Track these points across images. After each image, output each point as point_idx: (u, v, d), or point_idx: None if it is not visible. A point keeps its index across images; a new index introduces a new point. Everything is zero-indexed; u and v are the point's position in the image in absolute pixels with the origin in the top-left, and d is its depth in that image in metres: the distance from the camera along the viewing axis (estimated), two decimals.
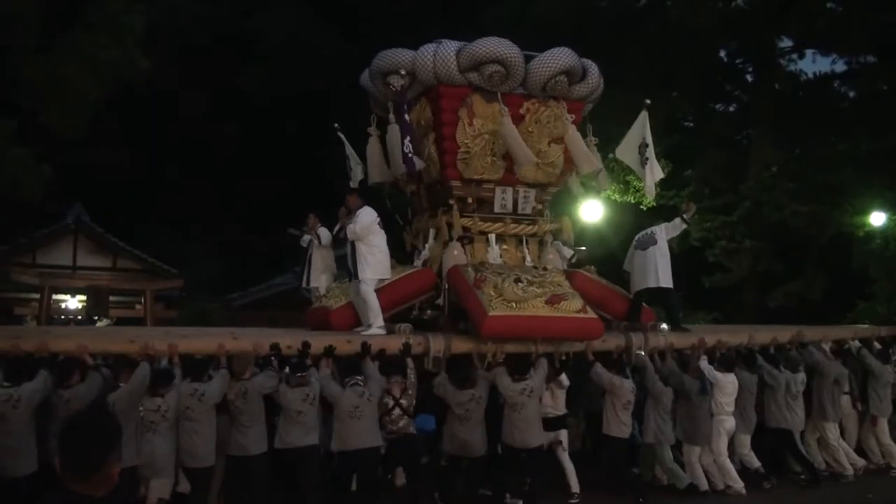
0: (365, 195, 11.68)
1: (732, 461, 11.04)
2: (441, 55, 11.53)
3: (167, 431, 8.58)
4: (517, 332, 10.37)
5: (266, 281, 25.80)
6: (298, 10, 32.04)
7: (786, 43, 24.15)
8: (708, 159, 23.42)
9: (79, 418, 3.49)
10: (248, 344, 9.49)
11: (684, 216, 12.52)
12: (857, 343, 13.01)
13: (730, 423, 10.86)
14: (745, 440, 11.24)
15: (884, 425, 12.30)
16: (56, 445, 3.35)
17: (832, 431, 11.82)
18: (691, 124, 26.20)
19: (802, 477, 11.42)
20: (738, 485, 10.75)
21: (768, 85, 24.48)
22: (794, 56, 24.50)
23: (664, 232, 12.32)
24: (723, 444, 10.84)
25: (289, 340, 9.66)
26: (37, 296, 23.77)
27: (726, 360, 11.21)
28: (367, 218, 10.89)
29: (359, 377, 9.34)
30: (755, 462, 11.21)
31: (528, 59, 11.81)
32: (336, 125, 13.77)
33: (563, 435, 10.72)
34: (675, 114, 23.61)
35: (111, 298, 24.86)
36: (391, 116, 12.30)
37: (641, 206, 21.36)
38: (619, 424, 10.35)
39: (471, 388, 9.71)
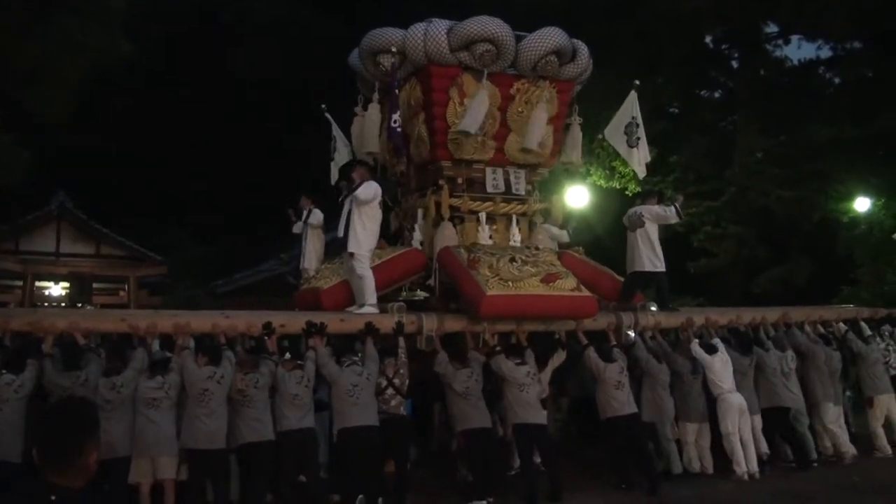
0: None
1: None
2: (432, 34, 11.52)
3: (169, 410, 8.60)
4: (515, 312, 10.44)
5: (251, 267, 25.64)
6: None
7: (771, 29, 24.21)
8: (693, 145, 23.44)
9: (56, 407, 3.48)
10: (240, 324, 9.48)
11: (678, 207, 12.34)
12: (842, 326, 13.04)
13: (734, 398, 10.77)
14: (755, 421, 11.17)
15: (882, 405, 12.20)
16: (34, 435, 3.32)
17: (826, 414, 11.81)
18: (677, 110, 26.20)
19: (792, 462, 11.43)
20: (741, 469, 10.70)
21: (753, 71, 24.54)
22: (780, 42, 24.53)
23: (652, 215, 12.25)
24: (731, 424, 10.71)
25: (281, 320, 9.67)
26: (20, 283, 23.53)
27: (707, 344, 11.20)
28: (374, 188, 10.79)
29: (354, 357, 9.39)
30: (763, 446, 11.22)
31: (518, 39, 11.82)
32: (323, 105, 13.71)
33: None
34: (660, 100, 23.61)
35: (94, 285, 24.65)
36: (374, 96, 12.27)
37: (627, 192, 21.41)
38: (612, 403, 10.33)
39: (468, 367, 9.90)
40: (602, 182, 22.48)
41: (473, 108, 11.52)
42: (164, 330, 9.22)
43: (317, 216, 13.31)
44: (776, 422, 11.40)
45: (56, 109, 16.34)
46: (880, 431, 12.18)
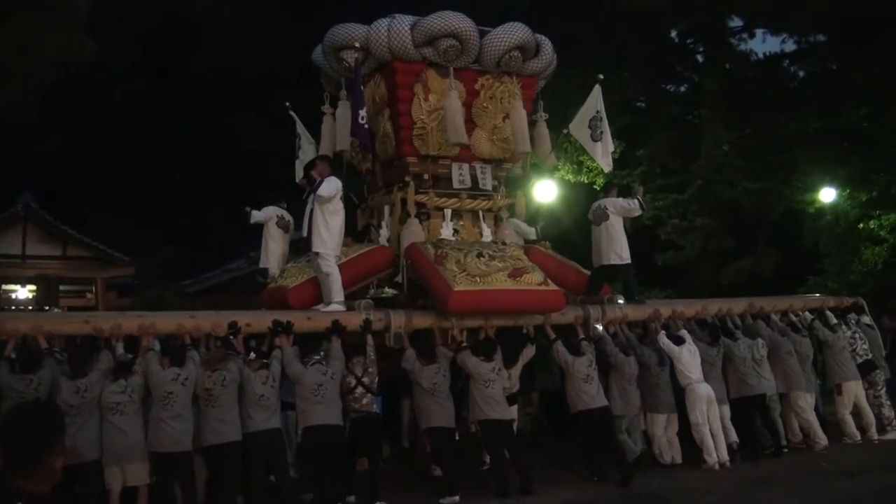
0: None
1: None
2: (395, 30, 11.49)
3: (134, 414, 8.49)
4: (482, 307, 10.44)
5: (219, 266, 25.54)
6: None
7: (736, 23, 24.35)
8: (660, 139, 23.58)
9: (20, 411, 3.43)
10: (205, 323, 9.43)
11: (640, 199, 12.43)
12: (808, 315, 13.14)
13: (701, 388, 10.85)
14: (723, 410, 11.25)
15: (850, 392, 12.30)
16: None
17: (797, 402, 11.89)
18: (643, 104, 26.34)
19: (767, 451, 11.50)
20: (712, 459, 10.76)
21: (719, 65, 24.66)
22: (745, 36, 24.69)
23: (616, 208, 12.30)
24: (700, 414, 10.79)
25: (247, 320, 9.63)
26: None
27: (674, 336, 11.27)
28: (335, 185, 10.73)
29: (316, 356, 9.37)
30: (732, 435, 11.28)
31: (482, 34, 11.83)
32: (287, 104, 13.64)
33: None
34: (627, 94, 23.72)
35: (61, 288, 24.50)
36: (342, 93, 12.22)
37: (595, 186, 21.46)
38: (582, 396, 10.34)
39: (436, 363, 9.88)
40: (570, 177, 22.56)
41: (450, 117, 11.52)
42: (128, 331, 9.14)
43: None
44: (748, 411, 11.46)
45: (21, 110, 16.20)
46: (849, 418, 12.27)
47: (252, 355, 9.18)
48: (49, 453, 3.18)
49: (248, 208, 13.07)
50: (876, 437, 12.28)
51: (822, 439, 11.78)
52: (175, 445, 8.43)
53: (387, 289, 12.30)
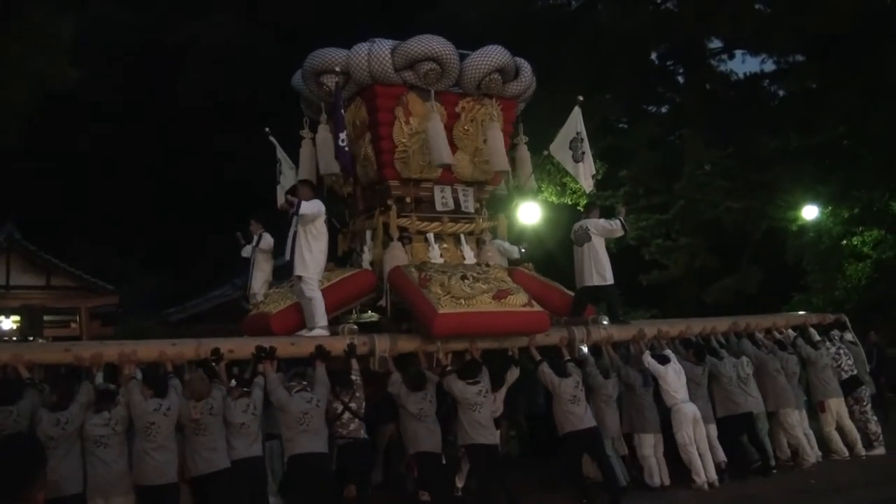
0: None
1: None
2: (376, 54, 11.51)
3: (118, 446, 8.31)
4: (468, 329, 10.39)
5: (203, 294, 25.42)
6: (234, 17, 31.57)
7: (715, 44, 24.59)
8: (642, 160, 23.66)
9: (0, 444, 3.38)
10: (188, 351, 9.37)
11: (622, 220, 12.47)
12: (791, 333, 13.16)
13: (687, 408, 10.83)
14: (710, 430, 11.22)
15: (834, 409, 12.33)
16: None
17: (786, 419, 11.89)
18: (625, 126, 26.48)
19: (755, 465, 11.47)
20: (701, 479, 10.73)
21: (699, 86, 24.85)
22: (724, 57, 25.00)
23: (598, 229, 12.32)
24: (686, 435, 10.77)
25: (230, 346, 9.55)
26: None
27: (659, 356, 11.27)
28: (318, 206, 10.69)
29: (303, 381, 9.30)
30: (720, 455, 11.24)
31: (462, 57, 11.86)
32: (266, 129, 13.61)
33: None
34: (608, 116, 23.84)
35: (46, 317, 24.26)
36: (322, 117, 12.23)
37: (578, 208, 21.50)
38: (570, 418, 10.28)
39: (422, 389, 9.79)
40: (553, 198, 22.59)
41: (434, 140, 11.49)
42: (109, 360, 9.02)
43: (267, 241, 13.19)
44: (735, 430, 11.44)
45: (2, 136, 16.12)
46: (834, 435, 12.28)
47: (233, 382, 9.10)
48: (30, 487, 3.13)
49: (238, 234, 13.13)
50: (863, 452, 12.29)
51: (811, 456, 11.78)
52: (159, 478, 8.26)
53: (370, 313, 12.27)
